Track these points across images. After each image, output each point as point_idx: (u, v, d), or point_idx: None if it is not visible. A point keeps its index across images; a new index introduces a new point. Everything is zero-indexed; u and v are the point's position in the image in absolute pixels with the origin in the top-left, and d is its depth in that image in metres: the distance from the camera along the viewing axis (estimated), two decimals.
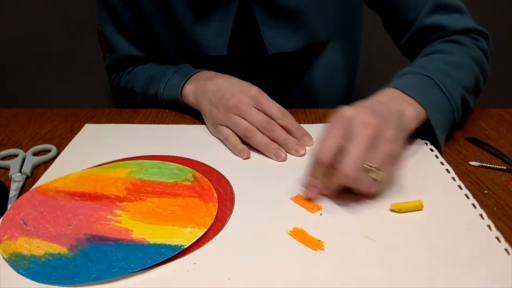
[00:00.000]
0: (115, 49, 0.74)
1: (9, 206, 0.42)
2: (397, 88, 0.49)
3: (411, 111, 0.47)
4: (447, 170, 0.46)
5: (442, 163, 0.47)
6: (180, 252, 0.35)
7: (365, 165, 0.38)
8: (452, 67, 0.54)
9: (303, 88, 0.74)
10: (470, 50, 0.60)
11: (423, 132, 0.51)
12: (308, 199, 0.41)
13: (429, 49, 0.62)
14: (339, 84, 0.76)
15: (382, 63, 0.80)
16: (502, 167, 0.47)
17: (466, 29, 0.64)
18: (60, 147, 0.54)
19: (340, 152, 0.39)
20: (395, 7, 0.67)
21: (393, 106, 0.45)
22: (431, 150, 0.50)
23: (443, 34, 0.64)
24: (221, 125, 0.53)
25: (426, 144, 0.51)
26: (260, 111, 0.52)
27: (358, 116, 0.39)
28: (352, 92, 0.80)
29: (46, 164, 0.50)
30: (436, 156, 0.49)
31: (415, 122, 0.47)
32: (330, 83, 0.74)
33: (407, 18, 0.67)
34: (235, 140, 0.51)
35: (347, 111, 0.40)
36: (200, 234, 0.36)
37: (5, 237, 0.37)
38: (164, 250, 0.35)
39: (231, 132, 0.52)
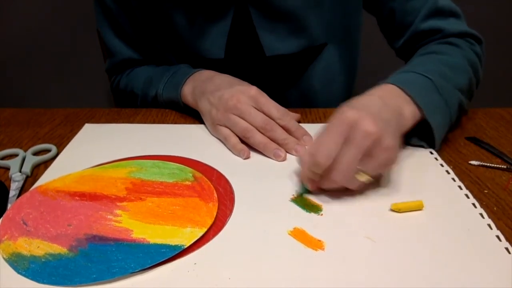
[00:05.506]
0: (114, 53, 0.74)
1: (9, 206, 0.42)
2: (396, 85, 0.49)
3: (408, 110, 0.47)
4: (447, 172, 0.46)
5: (442, 165, 0.47)
6: (180, 252, 0.35)
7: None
8: (449, 68, 0.54)
9: (301, 91, 0.73)
10: (466, 52, 0.60)
11: (418, 132, 0.50)
12: (307, 198, 0.41)
13: (426, 49, 0.62)
14: (338, 87, 0.75)
15: (382, 65, 0.80)
16: (502, 167, 0.47)
17: (462, 33, 0.64)
18: (60, 147, 0.54)
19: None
20: (392, 11, 0.67)
21: (392, 103, 0.45)
22: (431, 152, 0.50)
23: (440, 36, 0.64)
24: (221, 125, 0.53)
25: (423, 146, 0.51)
26: (260, 111, 0.52)
27: (360, 122, 0.38)
28: (351, 95, 0.79)
29: (46, 163, 0.50)
30: (436, 159, 0.49)
31: (412, 122, 0.47)
32: (328, 85, 0.74)
33: (403, 22, 0.66)
34: (234, 140, 0.51)
35: (349, 113, 0.39)
36: (200, 234, 0.36)
37: (5, 237, 0.37)
38: (164, 250, 0.35)
39: (231, 132, 0.52)
